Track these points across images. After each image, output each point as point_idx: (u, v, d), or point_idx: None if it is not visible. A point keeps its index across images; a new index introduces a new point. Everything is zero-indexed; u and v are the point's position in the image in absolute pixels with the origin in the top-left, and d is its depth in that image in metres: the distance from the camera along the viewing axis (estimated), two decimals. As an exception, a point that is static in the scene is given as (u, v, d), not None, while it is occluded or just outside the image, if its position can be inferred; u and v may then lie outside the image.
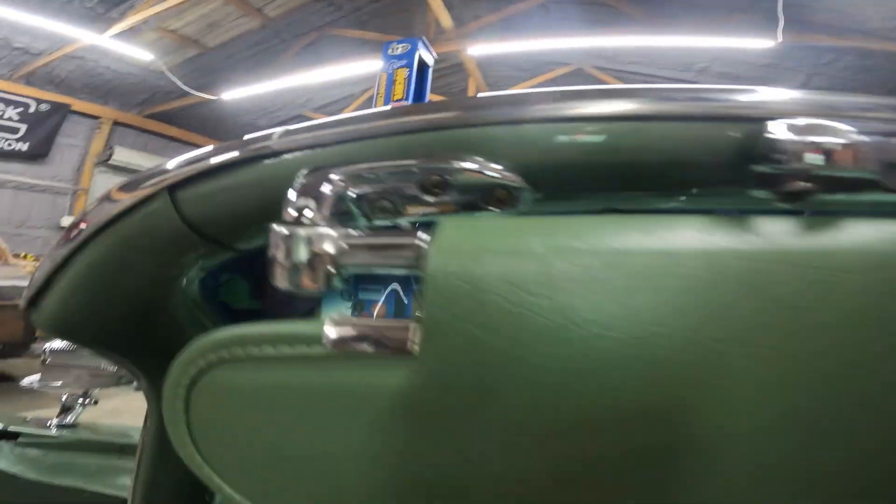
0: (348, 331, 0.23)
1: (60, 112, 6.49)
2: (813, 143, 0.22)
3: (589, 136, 0.24)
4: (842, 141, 0.22)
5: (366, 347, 0.22)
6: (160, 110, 7.18)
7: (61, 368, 0.95)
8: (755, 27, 4.44)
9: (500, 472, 0.23)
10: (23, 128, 6.26)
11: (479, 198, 0.24)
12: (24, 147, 6.32)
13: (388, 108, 0.29)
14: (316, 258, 0.23)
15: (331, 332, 0.23)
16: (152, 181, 0.30)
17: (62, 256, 0.32)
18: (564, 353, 0.21)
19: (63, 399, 1.03)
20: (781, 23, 4.16)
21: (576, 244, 0.21)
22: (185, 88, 6.35)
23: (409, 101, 3.95)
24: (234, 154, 0.28)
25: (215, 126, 7.83)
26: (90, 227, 0.32)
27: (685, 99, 0.24)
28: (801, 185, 0.22)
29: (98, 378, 0.95)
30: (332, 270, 0.23)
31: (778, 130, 0.22)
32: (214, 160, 0.29)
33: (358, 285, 0.27)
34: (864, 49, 4.78)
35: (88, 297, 0.34)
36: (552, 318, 0.20)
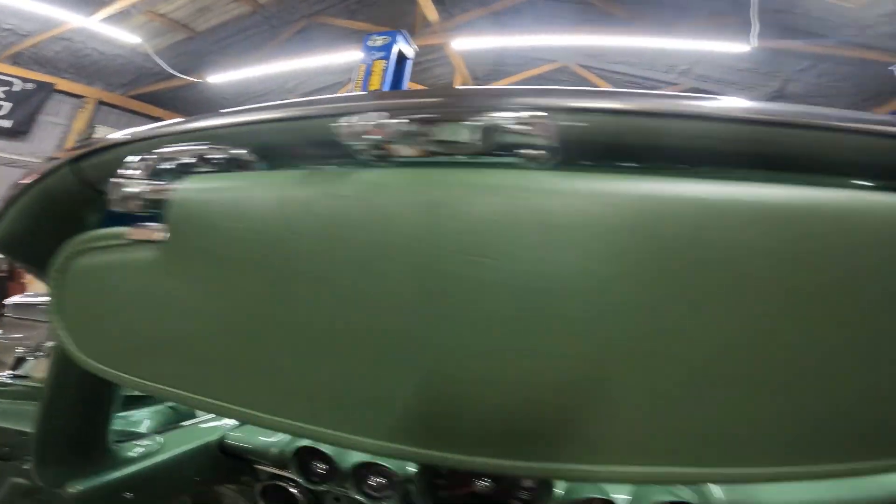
0: (140, 231, 0.44)
1: (44, 91, 6.51)
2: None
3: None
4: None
5: (144, 235, 0.43)
6: (145, 91, 7.16)
7: (18, 323, 1.02)
8: (735, 32, 4.55)
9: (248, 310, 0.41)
10: (7, 106, 6.35)
11: (228, 165, 0.45)
12: (8, 124, 6.41)
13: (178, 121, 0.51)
14: (133, 195, 0.43)
15: (132, 232, 0.44)
16: (62, 155, 0.52)
17: (12, 196, 0.53)
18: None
19: (17, 352, 1.11)
20: (755, 28, 4.26)
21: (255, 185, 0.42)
22: (171, 71, 6.35)
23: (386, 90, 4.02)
24: (103, 144, 0.50)
25: (200, 108, 7.78)
26: (32, 179, 0.53)
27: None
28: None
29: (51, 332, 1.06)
30: (140, 202, 0.43)
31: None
32: (92, 147, 0.50)
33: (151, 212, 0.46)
34: (839, 56, 4.91)
35: (27, 225, 0.55)
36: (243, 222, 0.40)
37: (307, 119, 0.43)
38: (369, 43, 4.94)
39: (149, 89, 7.04)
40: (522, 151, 0.35)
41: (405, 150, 0.38)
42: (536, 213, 0.34)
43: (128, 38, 5.67)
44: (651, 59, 6.19)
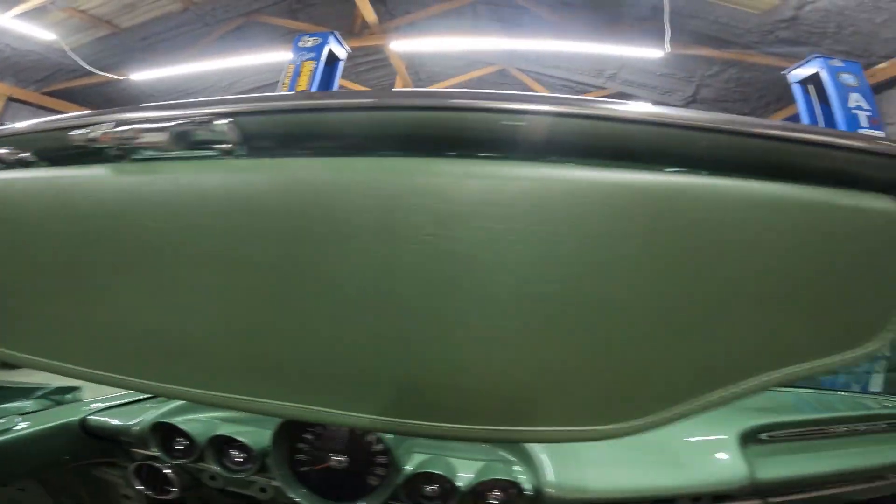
0: None
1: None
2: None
3: None
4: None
5: None
6: (61, 88, 6.64)
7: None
8: (653, 37, 4.88)
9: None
10: None
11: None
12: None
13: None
14: None
15: None
16: None
17: None
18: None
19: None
20: (668, 34, 4.59)
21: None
22: (88, 67, 5.93)
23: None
24: None
25: (122, 104, 7.32)
26: None
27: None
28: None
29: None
30: None
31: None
32: None
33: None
34: (744, 62, 5.38)
35: None
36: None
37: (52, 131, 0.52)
38: (300, 44, 4.92)
39: (64, 86, 6.54)
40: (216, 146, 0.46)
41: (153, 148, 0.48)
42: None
43: (42, 34, 5.25)
44: (581, 63, 6.55)
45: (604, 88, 7.07)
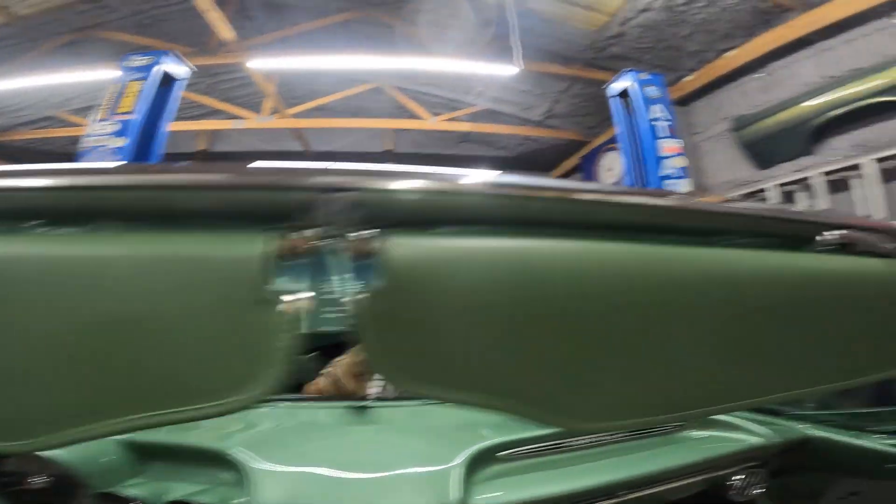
0: None
1: None
2: None
3: None
4: None
5: None
6: None
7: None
8: (510, 55, 5.23)
9: None
10: None
11: None
12: None
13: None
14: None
15: None
16: None
17: None
18: None
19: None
20: (517, 51, 4.95)
21: None
22: None
23: (141, 115, 3.89)
24: None
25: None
26: None
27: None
28: None
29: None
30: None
31: None
32: None
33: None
34: (585, 77, 5.95)
35: None
36: None
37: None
38: (127, 63, 4.60)
39: None
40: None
41: None
42: None
43: None
44: (452, 81, 6.95)
45: (473, 105, 7.57)
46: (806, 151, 4.76)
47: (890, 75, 3.93)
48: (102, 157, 4.25)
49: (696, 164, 5.86)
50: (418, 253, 0.45)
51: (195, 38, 5.58)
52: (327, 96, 7.41)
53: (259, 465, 0.90)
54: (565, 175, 8.96)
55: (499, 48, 5.36)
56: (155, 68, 4.59)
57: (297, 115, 7.38)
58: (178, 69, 4.88)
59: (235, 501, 0.86)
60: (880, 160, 4.10)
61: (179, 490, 0.88)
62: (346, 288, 0.45)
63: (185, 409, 0.42)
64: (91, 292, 0.42)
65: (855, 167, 4.31)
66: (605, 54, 5.61)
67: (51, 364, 0.42)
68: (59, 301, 0.43)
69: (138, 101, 4.42)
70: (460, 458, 0.93)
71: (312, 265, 0.46)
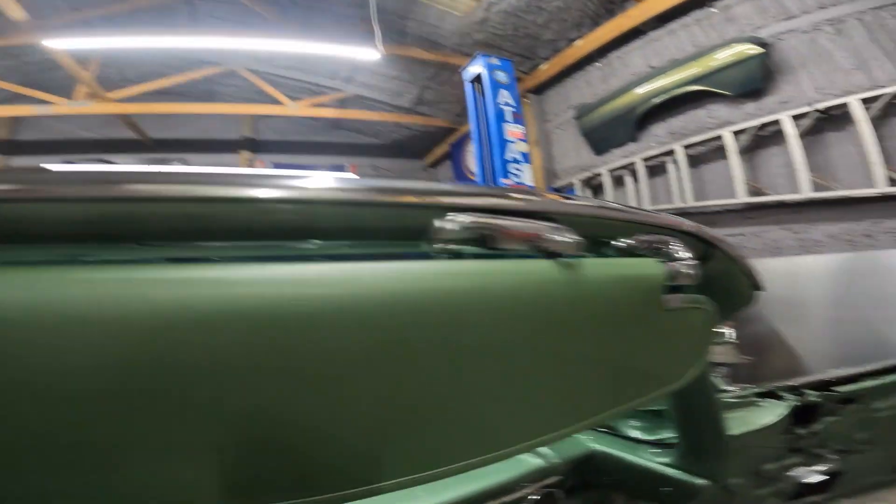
0: None
1: None
2: None
3: None
4: None
5: None
6: None
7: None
8: (371, 38, 5.01)
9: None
10: None
11: None
12: None
13: None
14: None
15: None
16: None
17: None
18: None
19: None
20: (377, 34, 4.77)
21: None
22: None
23: None
24: None
25: None
26: None
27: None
28: None
29: None
30: None
31: None
32: None
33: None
34: (452, 64, 5.91)
35: None
36: None
37: None
38: None
39: None
40: None
41: None
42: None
43: None
44: (315, 65, 6.54)
45: (341, 91, 7.25)
46: (632, 138, 5.05)
47: (701, 64, 4.21)
48: None
49: (547, 151, 6.27)
50: None
51: None
52: (165, 78, 6.46)
53: None
54: (438, 161, 9.12)
55: (364, 32, 5.14)
56: None
57: (126, 100, 6.34)
58: None
59: None
60: (687, 146, 4.41)
61: None
62: None
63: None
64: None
65: (670, 153, 4.57)
66: (469, 40, 5.63)
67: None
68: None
69: None
70: None
71: None
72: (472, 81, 5.22)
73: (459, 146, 8.11)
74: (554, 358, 0.55)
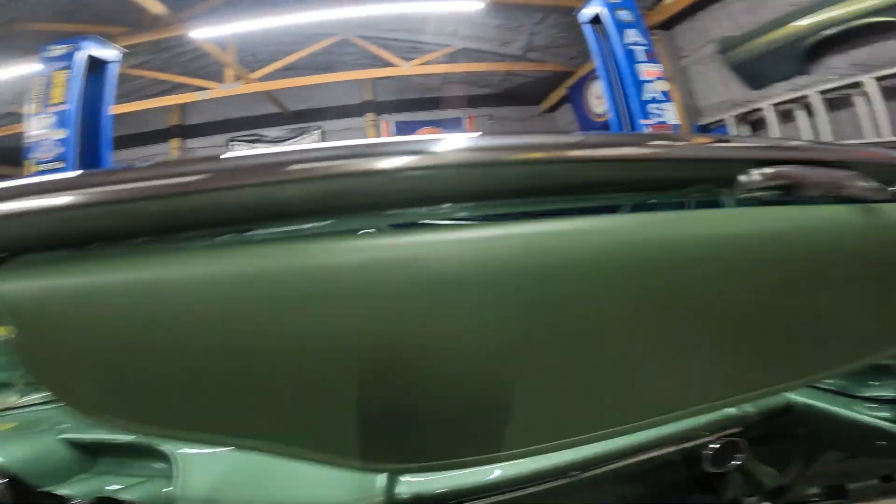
0: None
1: None
2: None
3: None
4: None
5: None
6: None
7: None
8: None
9: None
10: None
11: None
12: None
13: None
14: None
15: None
16: None
17: None
18: None
19: None
20: None
21: None
22: None
23: (73, 105, 3.61)
24: None
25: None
26: None
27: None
28: None
29: None
30: None
31: None
32: None
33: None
34: (561, 7, 5.53)
35: None
36: None
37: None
38: (46, 54, 4.39)
39: None
40: None
41: None
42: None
43: None
44: (418, 23, 6.45)
45: (449, 46, 7.08)
46: (801, 71, 4.62)
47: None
48: (49, 150, 4.25)
49: (686, 88, 5.75)
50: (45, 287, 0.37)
51: (126, 17, 5.19)
52: (291, 55, 6.98)
53: (185, 451, 0.89)
54: (555, 106, 8.55)
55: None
56: (77, 55, 4.40)
57: (264, 79, 7.06)
58: (106, 52, 4.68)
59: (164, 491, 0.86)
60: (881, 79, 3.96)
61: (113, 485, 0.90)
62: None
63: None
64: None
65: (856, 85, 4.14)
66: (578, -22, 5.06)
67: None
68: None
69: (68, 90, 4.31)
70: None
71: None
72: (591, 23, 4.81)
73: (579, 89, 7.55)
74: (830, 303, 0.54)
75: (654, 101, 4.47)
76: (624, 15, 4.56)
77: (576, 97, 7.74)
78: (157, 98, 7.18)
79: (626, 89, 4.54)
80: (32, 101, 4.33)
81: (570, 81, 7.57)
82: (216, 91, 6.98)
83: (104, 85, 4.67)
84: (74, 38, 4.47)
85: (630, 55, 4.49)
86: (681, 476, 1.02)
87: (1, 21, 4.99)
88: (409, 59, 7.15)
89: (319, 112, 9.08)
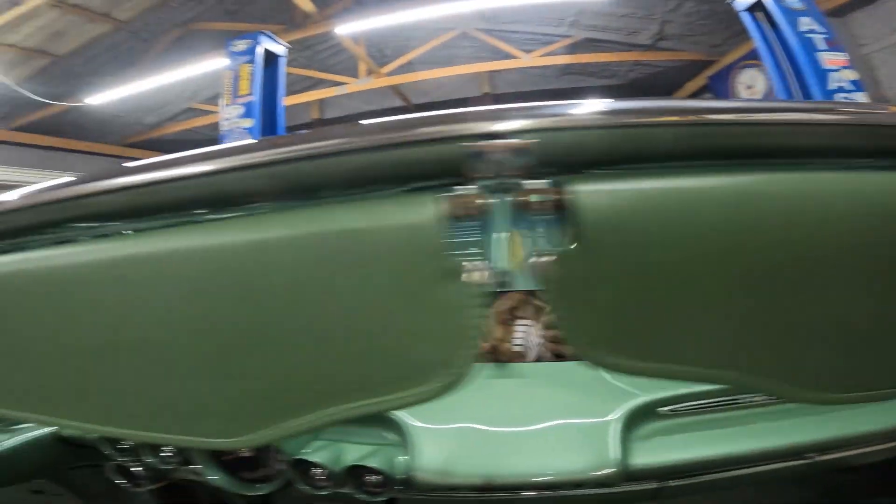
0: None
1: None
2: None
3: None
4: None
5: None
6: (26, 122, 6.73)
7: None
8: None
9: None
10: None
11: None
12: None
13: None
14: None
15: None
16: None
17: None
18: None
19: None
20: None
21: None
22: (40, 99, 5.89)
23: (257, 96, 4.08)
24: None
25: (97, 130, 7.42)
26: None
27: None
28: None
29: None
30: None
31: None
32: None
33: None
34: None
35: None
36: None
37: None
38: (232, 48, 4.78)
39: (28, 119, 6.64)
40: None
41: None
42: None
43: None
44: (537, 14, 6.21)
45: (569, 37, 6.73)
46: None
47: None
48: (239, 139, 4.52)
49: (870, 78, 5.02)
50: (618, 201, 0.37)
51: (281, 16, 5.77)
52: (414, 50, 7.23)
53: (417, 423, 0.90)
54: (692, 96, 7.70)
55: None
56: (257, 49, 4.75)
57: (391, 73, 7.40)
58: (277, 47, 5.02)
59: (399, 460, 0.88)
60: None
61: (352, 453, 0.91)
62: (531, 248, 0.39)
63: (374, 400, 0.40)
64: (255, 280, 0.39)
65: None
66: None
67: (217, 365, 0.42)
68: (222, 294, 0.40)
69: (253, 82, 4.64)
70: (617, 414, 0.85)
71: (485, 225, 0.40)
72: (751, 10, 4.33)
73: (723, 78, 6.83)
74: None
75: (841, 90, 4.03)
76: (792, 2, 4.05)
77: (719, 86, 7.01)
78: (302, 94, 7.81)
79: (805, 80, 4.11)
80: (225, 92, 4.72)
81: (711, 70, 6.88)
82: (352, 86, 7.45)
83: (277, 77, 4.98)
84: (253, 34, 4.81)
85: (808, 44, 4.04)
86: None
87: (182, 21, 5.92)
88: (529, 51, 7.01)
89: (440, 105, 9.29)
